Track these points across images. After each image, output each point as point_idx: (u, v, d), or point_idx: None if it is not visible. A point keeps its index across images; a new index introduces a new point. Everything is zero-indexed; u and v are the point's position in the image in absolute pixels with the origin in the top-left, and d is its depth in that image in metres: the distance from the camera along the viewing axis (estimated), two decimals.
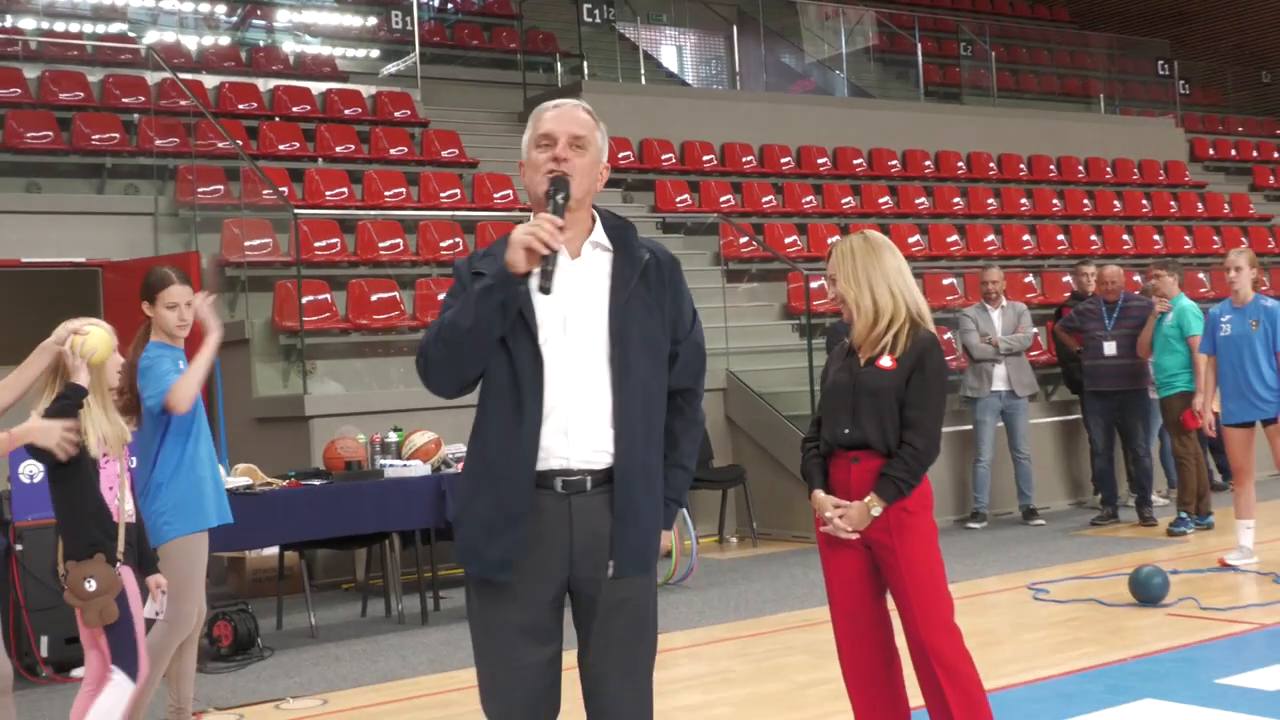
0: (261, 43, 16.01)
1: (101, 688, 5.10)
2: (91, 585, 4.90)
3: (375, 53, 16.45)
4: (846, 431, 4.37)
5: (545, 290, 3.23)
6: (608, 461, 3.35)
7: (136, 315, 5.77)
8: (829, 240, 13.80)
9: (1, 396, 4.76)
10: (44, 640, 7.41)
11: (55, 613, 7.31)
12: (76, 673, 7.22)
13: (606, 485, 3.35)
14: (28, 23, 14.44)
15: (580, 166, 3.39)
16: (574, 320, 3.36)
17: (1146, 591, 7.75)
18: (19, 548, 7.35)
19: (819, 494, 4.42)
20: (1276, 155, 21.70)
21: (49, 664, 7.38)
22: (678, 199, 14.73)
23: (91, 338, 4.81)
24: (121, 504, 5.12)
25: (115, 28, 14.77)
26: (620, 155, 15.00)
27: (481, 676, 3.44)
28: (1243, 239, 17.79)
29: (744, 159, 16.08)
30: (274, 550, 9.04)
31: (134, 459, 5.83)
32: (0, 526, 7.53)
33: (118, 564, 5.00)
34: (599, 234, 3.45)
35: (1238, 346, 8.70)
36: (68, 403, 4.78)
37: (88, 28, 14.73)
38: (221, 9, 16.31)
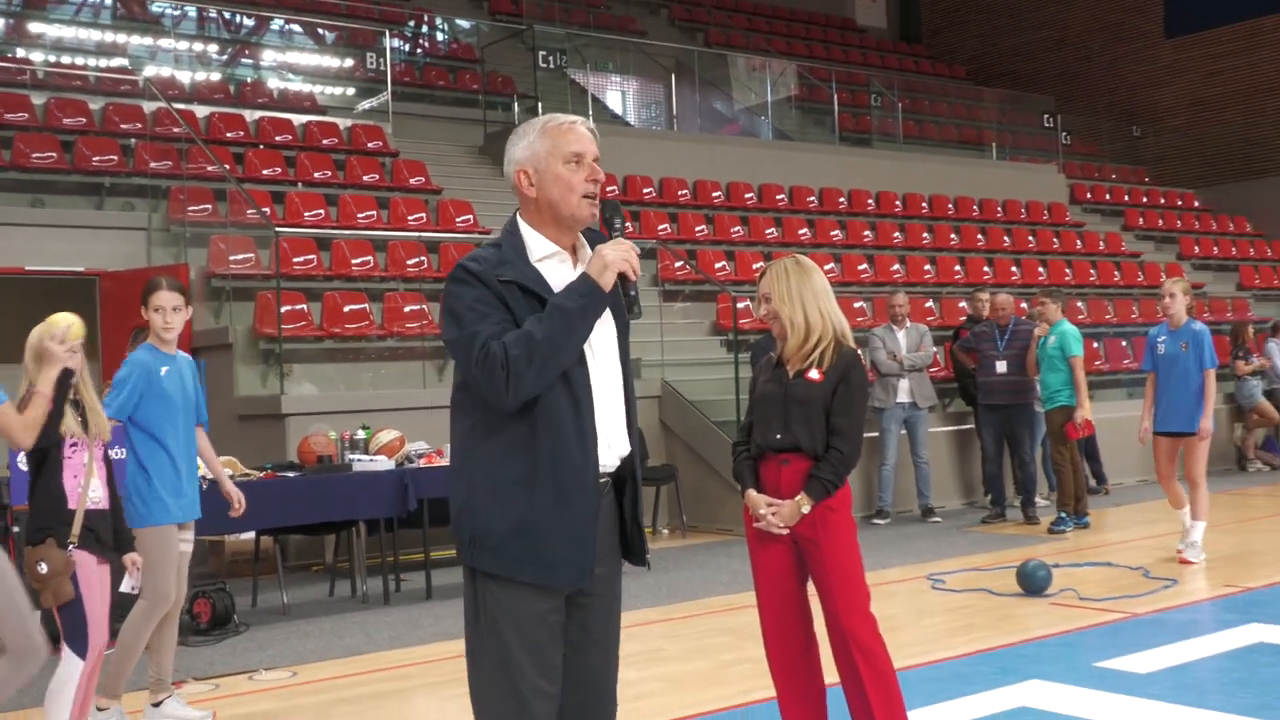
0: (249, 79, 15.83)
1: (80, 669, 4.99)
2: (43, 568, 4.78)
3: (351, 90, 16.30)
4: (779, 437, 4.33)
5: (637, 315, 3.20)
6: (617, 465, 3.24)
7: (131, 320, 5.67)
8: (754, 265, 13.85)
9: (37, 408, 4.64)
10: (36, 615, 7.25)
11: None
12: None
13: (612, 485, 3.26)
14: (37, 55, 14.19)
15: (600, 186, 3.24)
16: (596, 341, 3.19)
17: (1032, 583, 7.76)
18: (15, 529, 7.18)
19: (752, 493, 4.37)
20: (1145, 200, 21.96)
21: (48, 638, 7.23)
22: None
23: (61, 317, 4.74)
24: (84, 491, 4.95)
25: (116, 61, 14.55)
26: None
27: (509, 697, 3.08)
28: (1115, 273, 18.02)
29: (679, 192, 16.08)
30: (251, 535, 8.91)
31: (120, 448, 5.71)
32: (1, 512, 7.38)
33: (70, 548, 4.84)
34: (587, 253, 3.22)
35: (1171, 364, 8.71)
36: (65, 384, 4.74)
37: (91, 60, 14.50)
38: (214, 48, 16.13)
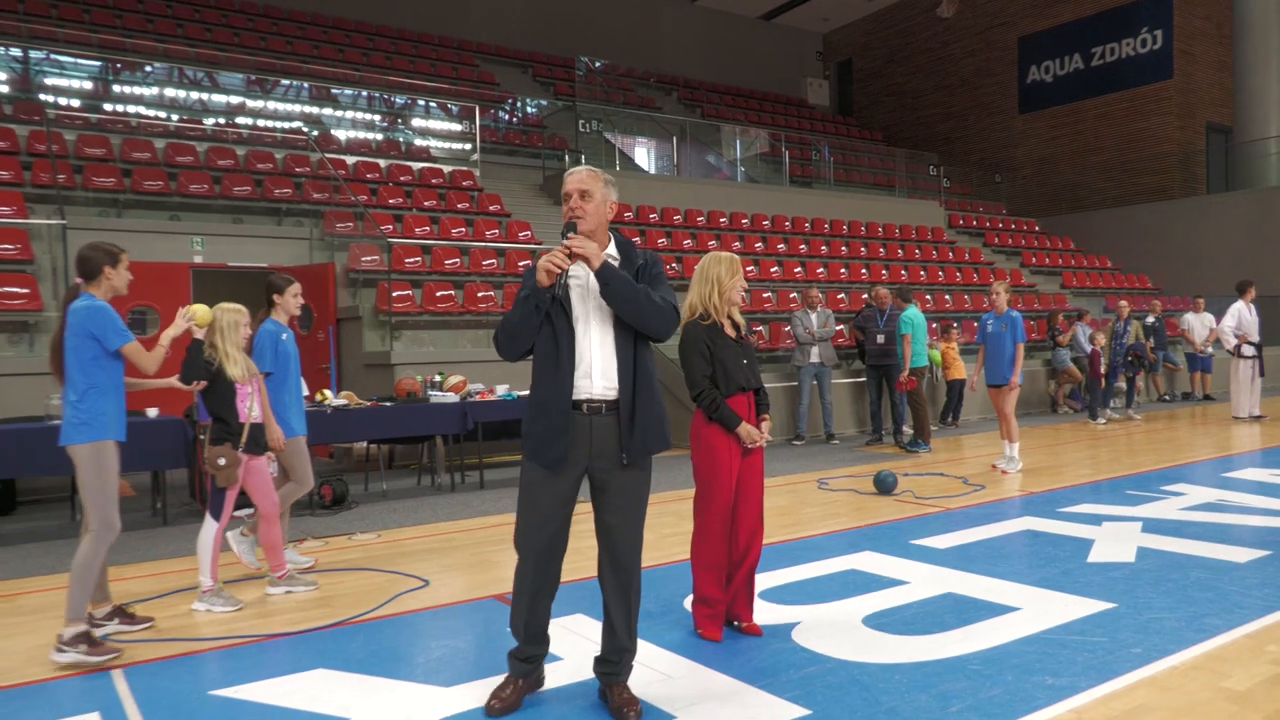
0: (399, 139, 15.78)
1: (270, 523, 5.14)
2: (222, 461, 4.88)
3: (453, 145, 16.24)
4: (753, 380, 4.23)
5: (558, 296, 3.20)
6: (615, 394, 3.25)
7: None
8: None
9: (157, 355, 4.62)
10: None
11: None
12: (241, 513, 7.19)
13: (615, 410, 3.25)
14: (242, 119, 14.26)
15: (589, 209, 3.28)
16: (592, 305, 3.24)
17: (883, 486, 7.73)
18: (203, 437, 7.30)
19: (748, 426, 4.15)
20: (1000, 225, 21.59)
21: None
22: (632, 239, 14.55)
23: (199, 310, 4.83)
24: (250, 412, 5.05)
25: (293, 124, 14.58)
26: None
27: (522, 524, 3.35)
28: (975, 275, 17.74)
29: (674, 217, 15.95)
30: (364, 443, 9.02)
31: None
32: (191, 424, 7.48)
33: (239, 451, 4.93)
34: (611, 249, 3.33)
35: (995, 340, 8.87)
36: (196, 349, 4.86)
37: (278, 124, 14.54)
38: (377, 117, 16.12)
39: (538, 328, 3.20)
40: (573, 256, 3.15)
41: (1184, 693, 3.48)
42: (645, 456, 3.29)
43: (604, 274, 3.16)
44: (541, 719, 3.36)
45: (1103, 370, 13.12)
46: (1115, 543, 5.76)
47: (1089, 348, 13.47)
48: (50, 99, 12.81)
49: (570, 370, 3.20)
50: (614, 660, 3.40)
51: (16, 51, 13.04)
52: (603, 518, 3.32)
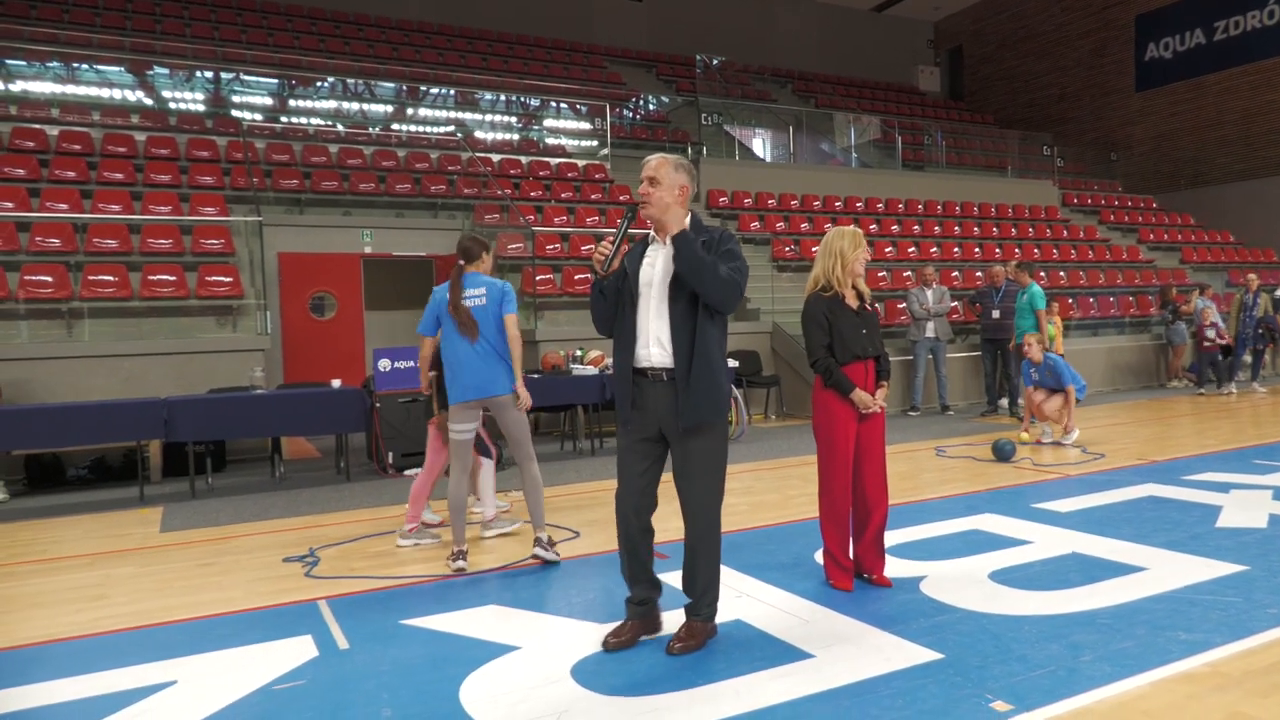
0: (534, 137, 16.08)
1: (434, 473, 5.42)
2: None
3: (585, 142, 16.42)
4: (871, 349, 4.11)
5: (607, 274, 3.32)
6: (666, 364, 3.30)
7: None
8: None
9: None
10: (391, 454, 7.75)
11: (396, 440, 7.63)
12: (409, 472, 7.55)
13: (674, 378, 3.31)
14: (401, 125, 14.81)
15: (656, 195, 3.33)
16: (656, 283, 3.31)
17: (1001, 453, 7.49)
18: (378, 405, 7.69)
19: (861, 392, 4.04)
20: (1116, 203, 20.33)
21: (394, 467, 7.70)
22: (751, 223, 14.46)
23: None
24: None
25: (447, 128, 15.03)
26: (720, 199, 14.78)
27: (618, 483, 3.46)
28: (1090, 252, 16.81)
29: (792, 202, 15.71)
30: None
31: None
32: (369, 394, 7.88)
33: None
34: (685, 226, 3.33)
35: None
36: None
37: (431, 128, 15.02)
38: (515, 118, 16.46)
39: (609, 306, 3.33)
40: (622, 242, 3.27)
41: None
42: (695, 423, 3.26)
43: (676, 241, 3.24)
44: (652, 655, 3.44)
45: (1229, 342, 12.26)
46: (1245, 509, 5.41)
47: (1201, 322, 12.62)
48: (243, 115, 13.63)
49: (632, 342, 3.29)
50: (689, 601, 3.50)
51: (209, 74, 13.93)
52: (677, 480, 3.40)
